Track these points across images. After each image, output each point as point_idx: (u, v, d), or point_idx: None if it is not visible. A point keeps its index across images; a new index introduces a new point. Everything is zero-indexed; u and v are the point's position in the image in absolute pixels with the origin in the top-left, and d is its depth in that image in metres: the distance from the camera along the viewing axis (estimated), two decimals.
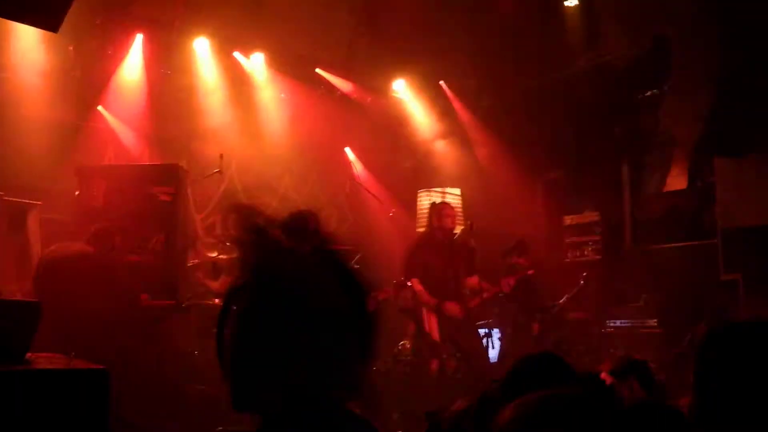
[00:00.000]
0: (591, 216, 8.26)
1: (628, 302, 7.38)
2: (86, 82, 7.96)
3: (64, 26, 4.69)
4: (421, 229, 8.01)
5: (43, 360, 3.27)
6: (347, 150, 9.75)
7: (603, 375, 3.15)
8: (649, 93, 7.94)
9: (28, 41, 7.34)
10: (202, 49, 8.55)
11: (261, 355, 1.41)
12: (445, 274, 6.80)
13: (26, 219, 6.71)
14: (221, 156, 7.55)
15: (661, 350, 6.35)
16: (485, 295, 7.05)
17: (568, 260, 8.27)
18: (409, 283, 6.87)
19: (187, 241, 7.70)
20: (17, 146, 7.13)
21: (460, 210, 8.14)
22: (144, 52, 8.16)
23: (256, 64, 8.93)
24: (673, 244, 7.47)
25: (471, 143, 9.48)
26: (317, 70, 9.24)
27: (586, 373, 2.77)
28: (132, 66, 8.18)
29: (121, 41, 8.08)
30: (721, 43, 7.02)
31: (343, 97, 9.54)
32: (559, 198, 8.78)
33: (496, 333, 7.35)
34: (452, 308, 6.67)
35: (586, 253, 8.19)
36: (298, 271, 1.46)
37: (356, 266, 1.93)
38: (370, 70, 9.33)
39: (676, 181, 7.83)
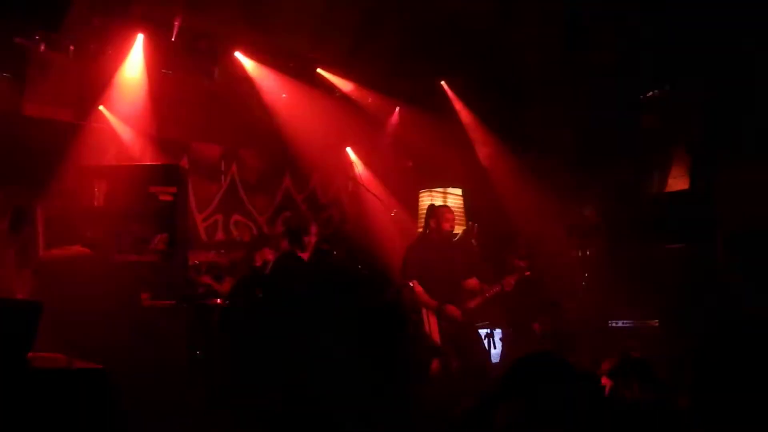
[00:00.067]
0: (592, 216, 8.26)
1: (629, 302, 7.39)
2: (86, 82, 7.96)
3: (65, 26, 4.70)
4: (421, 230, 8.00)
5: (43, 360, 3.28)
6: (348, 150, 9.75)
7: (603, 375, 3.16)
8: (649, 93, 7.94)
9: None
10: (202, 49, 8.54)
11: (261, 355, 1.41)
12: (445, 274, 6.78)
13: (27, 219, 6.71)
14: (221, 156, 7.55)
15: (662, 350, 6.34)
16: (486, 294, 7.04)
17: (569, 260, 8.27)
18: (411, 284, 6.85)
19: (188, 241, 7.71)
20: (18, 146, 7.14)
21: (461, 210, 8.13)
22: (144, 52, 8.16)
23: (256, 64, 8.93)
24: (673, 245, 7.47)
25: (472, 143, 9.48)
26: (317, 70, 9.25)
27: (586, 373, 2.77)
28: (132, 66, 8.18)
29: (121, 41, 8.08)
30: (721, 42, 7.03)
31: (343, 97, 9.55)
32: (560, 198, 8.78)
33: (497, 333, 7.35)
34: (453, 311, 6.65)
35: (587, 253, 8.20)
36: (298, 272, 1.47)
37: (359, 267, 1.94)
38: (370, 70, 9.33)
39: (677, 181, 7.83)
